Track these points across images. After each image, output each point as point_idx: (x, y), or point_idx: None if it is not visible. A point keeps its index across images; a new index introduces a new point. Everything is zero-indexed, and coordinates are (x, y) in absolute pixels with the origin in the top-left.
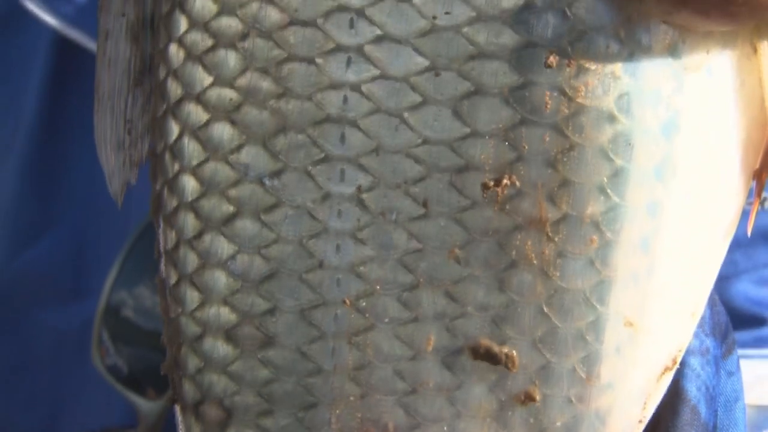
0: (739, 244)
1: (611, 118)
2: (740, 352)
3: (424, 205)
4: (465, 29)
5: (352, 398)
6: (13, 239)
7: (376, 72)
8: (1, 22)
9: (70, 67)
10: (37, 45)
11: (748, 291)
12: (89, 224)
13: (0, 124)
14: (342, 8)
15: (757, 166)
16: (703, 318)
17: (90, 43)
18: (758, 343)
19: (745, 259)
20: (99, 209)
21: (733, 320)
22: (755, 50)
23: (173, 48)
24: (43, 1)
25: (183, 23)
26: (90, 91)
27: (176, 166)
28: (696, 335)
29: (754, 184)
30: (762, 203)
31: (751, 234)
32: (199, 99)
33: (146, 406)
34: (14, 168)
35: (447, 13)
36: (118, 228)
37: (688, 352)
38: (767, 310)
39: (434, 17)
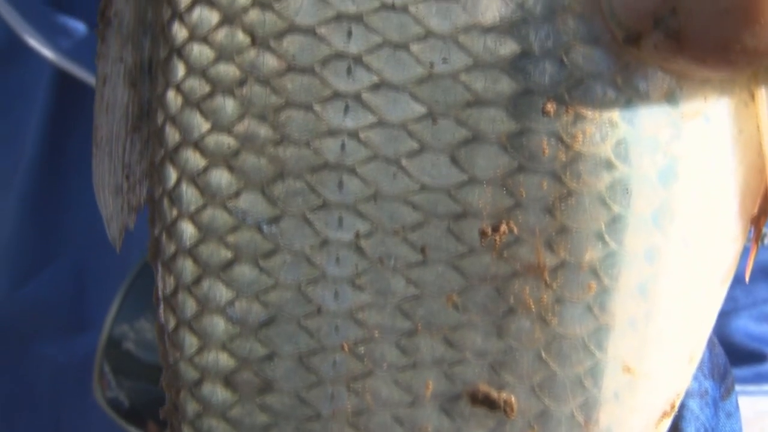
0: (738, 280)
1: (609, 165)
2: (740, 388)
3: (422, 251)
4: (462, 76)
5: None
6: (14, 272)
7: (373, 119)
8: (1, 56)
9: (71, 101)
10: (37, 79)
11: (748, 327)
12: (90, 257)
13: (1, 158)
14: (339, 55)
15: (755, 211)
16: (702, 360)
17: (90, 78)
18: (758, 379)
19: (745, 295)
20: (100, 242)
21: (733, 356)
22: (753, 97)
23: (171, 94)
24: (42, 35)
25: (181, 69)
26: (91, 125)
27: (174, 212)
28: (695, 377)
29: (752, 229)
30: (762, 239)
31: (751, 270)
32: (197, 145)
33: None
34: (15, 201)
35: (444, 60)
36: (119, 261)
37: (687, 395)
38: (767, 346)
39: (431, 64)
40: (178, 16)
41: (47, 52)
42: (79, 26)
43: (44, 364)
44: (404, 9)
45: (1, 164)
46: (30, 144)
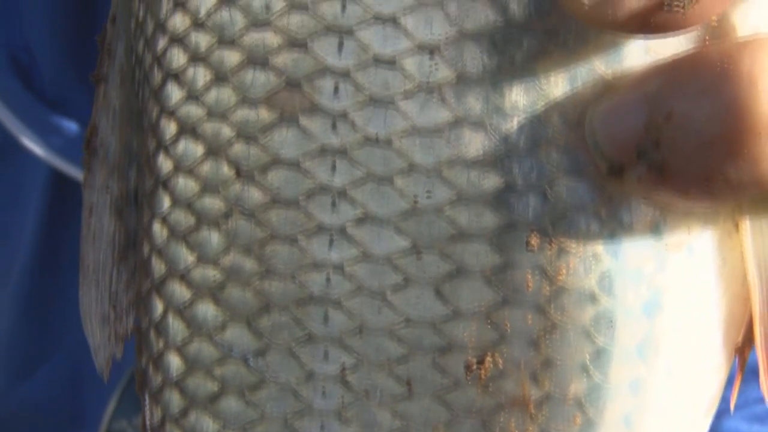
0: (730, 380)
1: (593, 298)
2: None
3: (408, 384)
4: (447, 210)
5: None
6: (10, 371)
7: (358, 252)
8: None
9: (65, 200)
10: (31, 178)
11: (740, 428)
12: (86, 354)
13: None
14: (324, 189)
15: (739, 341)
16: None
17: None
18: None
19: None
20: None
21: None
22: (737, 227)
23: (157, 226)
24: (36, 134)
25: (166, 201)
26: None
27: (161, 344)
28: None
29: (736, 358)
30: None
31: (744, 370)
32: (183, 278)
33: None
34: (11, 299)
35: (428, 194)
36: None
37: None
38: None
39: (415, 198)
40: (164, 148)
41: (41, 151)
42: (72, 126)
43: None
44: (388, 143)
45: None
46: (25, 243)
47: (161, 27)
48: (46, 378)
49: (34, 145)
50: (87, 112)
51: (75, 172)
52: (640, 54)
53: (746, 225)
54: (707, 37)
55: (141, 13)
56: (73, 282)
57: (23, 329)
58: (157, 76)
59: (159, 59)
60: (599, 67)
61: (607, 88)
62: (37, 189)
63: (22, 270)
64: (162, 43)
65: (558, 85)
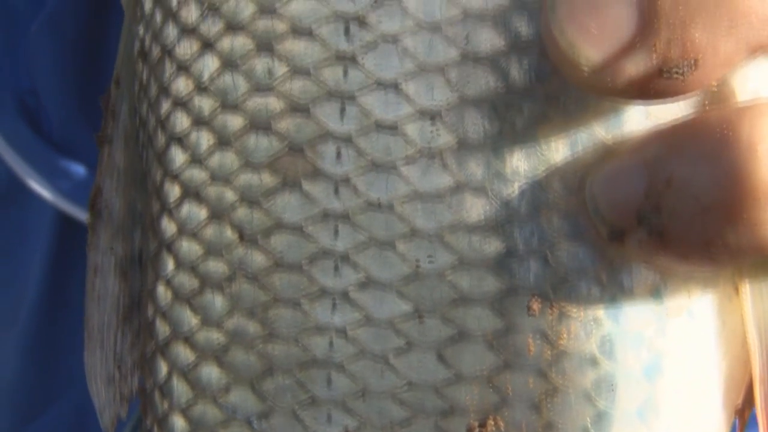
0: None
1: (594, 362)
2: None
3: None
4: (448, 275)
5: None
6: (16, 414)
7: (361, 316)
8: (2, 197)
9: (72, 242)
10: (38, 220)
11: None
12: (91, 400)
13: (2, 299)
14: (326, 253)
15: (740, 403)
16: None
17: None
18: None
19: None
20: None
21: None
22: (737, 291)
23: (161, 288)
24: (43, 177)
25: (170, 264)
26: None
27: (165, 405)
28: None
29: (736, 420)
30: None
31: None
32: (187, 340)
33: None
34: (16, 343)
35: (430, 258)
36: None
37: None
38: None
39: (418, 263)
40: (167, 210)
41: (48, 194)
42: (80, 169)
43: None
44: (390, 208)
45: (2, 305)
46: (31, 285)
47: (165, 90)
48: (50, 422)
49: (41, 188)
50: (94, 155)
51: (82, 215)
52: (640, 118)
53: (746, 288)
54: (707, 102)
55: (144, 76)
56: (78, 324)
57: (29, 372)
58: (160, 139)
59: (162, 122)
60: (599, 131)
61: (607, 153)
62: (44, 231)
63: (28, 312)
64: (165, 106)
65: (558, 150)
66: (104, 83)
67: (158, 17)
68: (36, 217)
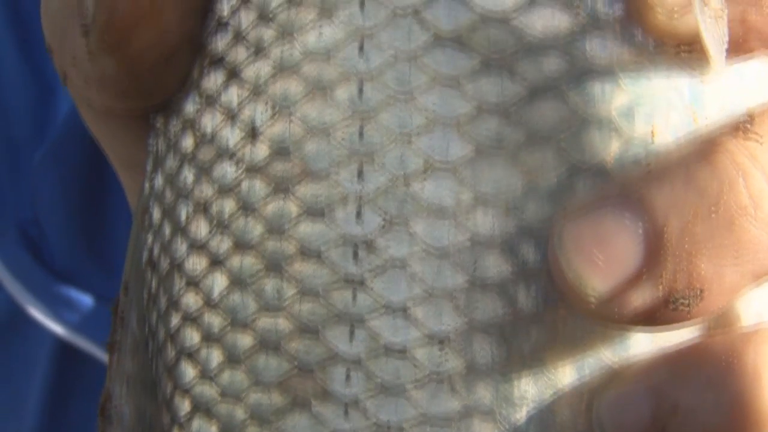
0: None
1: None
2: None
3: None
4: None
5: None
6: None
7: (370, 422)
8: (2, 326)
9: (72, 372)
10: (39, 349)
11: None
12: None
13: (1, 426)
14: (336, 359)
15: None
16: None
17: (93, 350)
18: None
19: None
20: None
21: None
22: None
23: None
24: (47, 307)
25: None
26: (91, 395)
27: None
28: None
29: None
30: None
31: None
32: None
33: None
34: None
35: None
36: None
37: None
38: None
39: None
40: (178, 424)
41: (52, 326)
42: (84, 299)
43: None
44: (399, 431)
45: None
46: (30, 414)
47: (174, 304)
48: None
49: (41, 316)
50: (96, 285)
51: (82, 344)
52: (647, 343)
53: None
54: (711, 325)
55: (153, 285)
56: None
57: None
58: (170, 352)
59: (173, 336)
60: (606, 355)
61: (613, 377)
62: (44, 359)
63: None
64: (175, 320)
65: (566, 373)
66: (107, 214)
67: (167, 230)
68: (36, 345)
